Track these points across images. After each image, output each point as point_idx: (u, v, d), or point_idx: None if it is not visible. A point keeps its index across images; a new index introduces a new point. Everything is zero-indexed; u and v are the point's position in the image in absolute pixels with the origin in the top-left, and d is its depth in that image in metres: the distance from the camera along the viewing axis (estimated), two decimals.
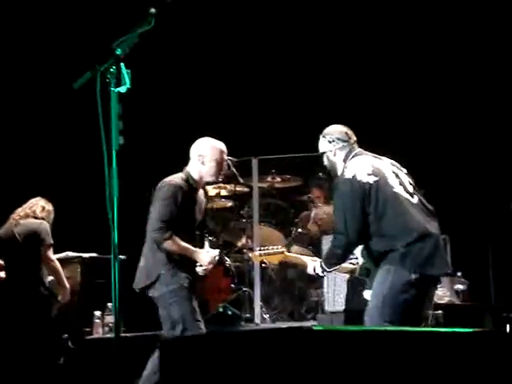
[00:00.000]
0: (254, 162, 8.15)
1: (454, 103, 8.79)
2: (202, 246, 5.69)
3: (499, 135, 8.48)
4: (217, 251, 5.45)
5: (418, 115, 8.91)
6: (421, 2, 8.72)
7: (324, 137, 5.24)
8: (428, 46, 8.82)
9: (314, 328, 2.83)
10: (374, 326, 4.72)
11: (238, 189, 8.42)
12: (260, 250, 5.35)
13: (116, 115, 3.50)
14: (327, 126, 5.40)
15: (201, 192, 5.72)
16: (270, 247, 5.32)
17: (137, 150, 7.63)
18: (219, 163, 5.59)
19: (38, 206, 7.05)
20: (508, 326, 6.76)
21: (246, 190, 8.45)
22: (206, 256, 5.42)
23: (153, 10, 3.56)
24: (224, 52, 9.30)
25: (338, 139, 5.18)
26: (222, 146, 5.67)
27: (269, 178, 8.63)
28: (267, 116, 9.32)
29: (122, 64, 3.54)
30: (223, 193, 8.57)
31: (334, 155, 5.18)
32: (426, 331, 3.42)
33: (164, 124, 9.35)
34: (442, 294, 7.26)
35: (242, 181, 8.32)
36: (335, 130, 5.23)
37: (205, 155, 5.59)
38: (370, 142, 5.31)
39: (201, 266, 5.43)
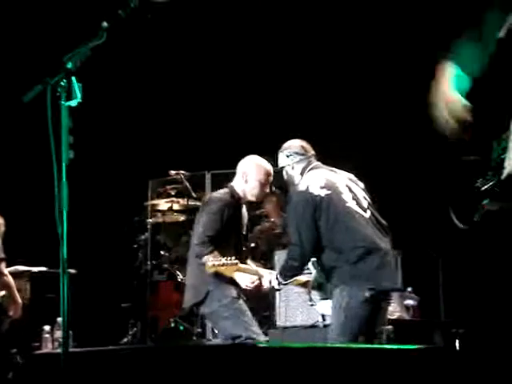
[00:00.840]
0: (208, 177, 8.15)
1: (408, 123, 8.85)
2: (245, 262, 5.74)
3: (451, 154, 8.55)
4: (255, 277, 5.41)
5: (372, 132, 8.96)
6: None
7: (282, 152, 5.36)
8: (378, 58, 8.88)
9: (258, 344, 2.82)
10: (318, 343, 4.75)
11: (190, 203, 8.40)
12: (213, 261, 5.35)
13: (66, 129, 3.48)
14: (281, 141, 5.49)
15: (244, 208, 5.77)
16: (224, 258, 5.33)
17: (87, 164, 7.58)
18: (263, 184, 5.63)
19: None
20: (457, 342, 6.82)
21: (199, 204, 8.42)
22: (243, 279, 5.41)
23: (105, 24, 3.54)
24: (175, 65, 9.27)
25: (296, 153, 5.28)
26: (267, 166, 5.68)
27: None
28: (221, 130, 9.32)
29: (73, 78, 3.52)
30: (176, 207, 8.53)
31: (292, 169, 5.28)
32: (374, 348, 3.44)
33: (115, 138, 9.30)
34: (393, 310, 7.29)
35: (194, 195, 8.31)
36: (293, 145, 5.35)
37: (248, 173, 5.64)
38: (327, 157, 5.39)
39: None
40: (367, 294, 4.83)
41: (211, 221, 5.50)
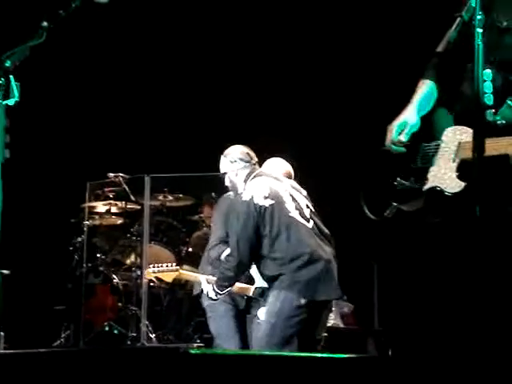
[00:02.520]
0: (147, 180, 8.10)
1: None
2: None
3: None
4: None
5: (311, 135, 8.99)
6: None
7: (225, 157, 5.32)
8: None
9: (191, 351, 2.82)
10: (252, 350, 4.76)
11: (128, 206, 8.35)
12: (154, 267, 5.35)
13: (3, 128, 3.44)
14: (222, 146, 5.47)
15: None
16: (165, 265, 5.33)
17: (24, 163, 7.49)
18: None
19: None
20: (390, 350, 6.90)
21: (137, 207, 8.38)
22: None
23: (45, 24, 3.52)
24: (114, 66, 9.19)
25: (241, 159, 5.26)
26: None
27: (160, 197, 8.58)
28: (160, 134, 9.28)
29: (11, 76, 3.49)
30: (113, 209, 8.47)
31: (236, 175, 5.25)
32: (307, 356, 3.45)
33: (53, 139, 9.19)
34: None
35: (133, 198, 8.26)
36: (237, 151, 5.32)
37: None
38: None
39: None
40: (302, 301, 4.86)
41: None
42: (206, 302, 5.57)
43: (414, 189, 3.55)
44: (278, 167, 5.62)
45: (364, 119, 8.12)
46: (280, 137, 8.71)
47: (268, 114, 9.02)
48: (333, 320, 7.45)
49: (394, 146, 3.55)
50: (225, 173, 5.31)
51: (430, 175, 3.50)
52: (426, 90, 3.65)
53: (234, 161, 5.27)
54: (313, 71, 8.81)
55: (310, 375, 3.25)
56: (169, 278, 5.42)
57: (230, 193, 5.58)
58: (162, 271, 5.34)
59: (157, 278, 5.44)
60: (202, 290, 5.54)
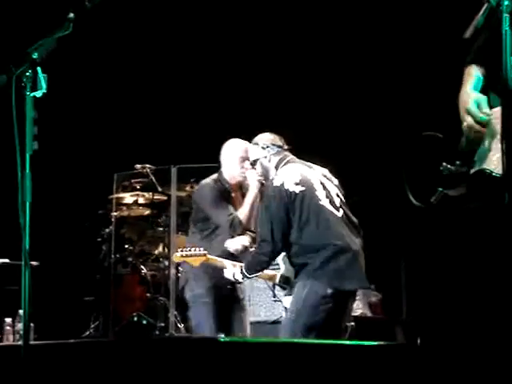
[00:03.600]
0: (173, 171, 8.11)
1: (378, 112, 8.87)
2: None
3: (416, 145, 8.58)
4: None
5: (342, 124, 8.97)
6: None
7: (257, 143, 5.31)
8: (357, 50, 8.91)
9: (220, 339, 2.83)
10: (282, 338, 4.77)
11: (155, 197, 8.37)
12: (182, 251, 5.39)
13: (31, 120, 3.46)
14: (248, 135, 5.46)
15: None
16: (193, 249, 5.36)
17: (51, 155, 7.53)
18: (240, 160, 5.72)
19: None
20: (419, 339, 6.86)
21: (164, 198, 8.40)
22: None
23: (71, 15, 3.52)
24: (142, 57, 9.22)
25: (273, 145, 5.25)
26: (238, 143, 5.80)
27: (187, 187, 8.59)
28: (187, 124, 9.29)
29: (38, 68, 3.50)
30: (141, 201, 8.50)
31: (269, 161, 5.23)
32: (336, 343, 3.46)
33: (81, 130, 9.24)
34: (355, 307, 7.32)
35: (160, 189, 8.28)
36: (268, 137, 5.32)
37: (224, 158, 5.82)
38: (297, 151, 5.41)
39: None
40: (329, 291, 4.85)
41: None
42: (187, 294, 5.66)
43: (461, 173, 3.46)
44: (237, 149, 5.70)
45: (398, 106, 8.11)
46: (311, 123, 8.73)
47: (296, 103, 9.01)
48: (360, 309, 7.45)
49: (477, 125, 3.41)
50: (256, 159, 5.31)
51: (477, 157, 3.43)
52: (474, 74, 3.58)
53: (266, 146, 5.25)
54: (341, 57, 8.80)
55: (339, 362, 3.26)
56: (196, 262, 5.44)
57: (207, 179, 5.70)
58: (190, 255, 5.39)
59: (178, 270, 5.50)
60: (186, 282, 5.62)
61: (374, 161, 8.71)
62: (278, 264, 5.28)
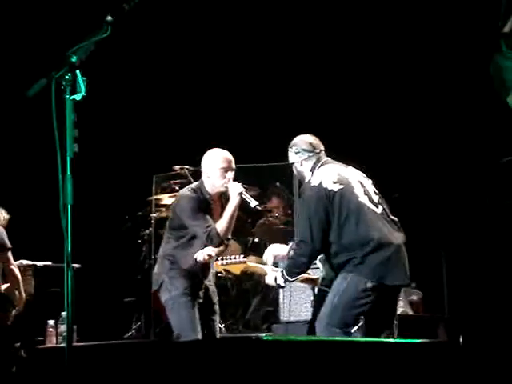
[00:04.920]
0: None
1: (410, 113, 8.84)
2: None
3: (452, 143, 8.55)
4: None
5: (377, 125, 8.95)
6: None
7: (291, 148, 5.32)
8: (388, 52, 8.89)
9: (264, 338, 2.83)
10: (323, 337, 4.73)
11: None
12: (222, 260, 5.38)
13: (71, 123, 3.48)
14: (285, 135, 5.46)
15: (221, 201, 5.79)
16: (233, 257, 5.35)
17: (91, 158, 7.59)
18: (222, 171, 5.62)
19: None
20: (461, 337, 6.81)
21: None
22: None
23: (109, 18, 3.54)
24: (181, 60, 9.27)
25: (304, 150, 5.25)
26: (221, 153, 5.70)
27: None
28: (224, 125, 9.31)
29: (77, 71, 3.52)
30: None
31: (301, 165, 5.24)
32: (377, 341, 3.44)
33: (120, 132, 9.30)
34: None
35: None
36: (301, 141, 5.30)
37: (206, 169, 5.67)
38: (331, 151, 5.39)
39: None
40: (369, 284, 4.82)
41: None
42: (164, 296, 5.60)
43: None
44: (220, 159, 5.61)
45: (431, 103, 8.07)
46: (345, 125, 8.73)
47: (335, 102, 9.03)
48: (402, 308, 7.40)
49: None
50: (292, 163, 5.32)
51: None
52: None
53: (297, 151, 5.26)
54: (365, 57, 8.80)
55: (381, 360, 3.24)
56: (237, 269, 5.44)
57: (187, 190, 5.66)
58: (231, 263, 5.37)
59: (225, 270, 5.46)
60: (161, 284, 5.58)
61: (411, 156, 8.68)
62: (318, 267, 5.25)
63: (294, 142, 5.33)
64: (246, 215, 8.73)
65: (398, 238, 4.99)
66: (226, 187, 5.61)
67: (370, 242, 4.86)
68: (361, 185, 5.07)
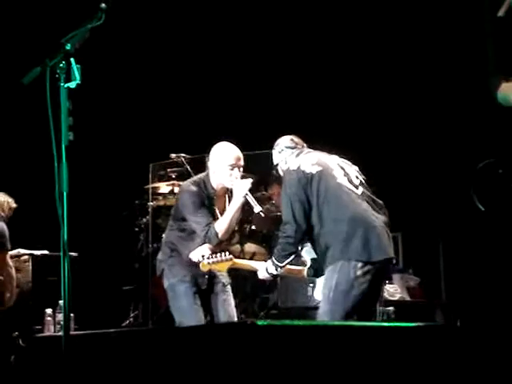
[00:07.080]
0: (208, 159, 8.11)
1: (401, 100, 8.85)
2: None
3: (450, 132, 8.56)
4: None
5: (368, 112, 8.96)
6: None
7: (274, 149, 5.37)
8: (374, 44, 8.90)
9: (258, 323, 2.83)
10: (319, 321, 4.74)
11: None
12: (208, 259, 5.32)
13: (66, 111, 3.48)
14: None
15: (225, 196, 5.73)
16: (218, 255, 5.29)
17: (87, 146, 7.58)
18: (230, 167, 5.52)
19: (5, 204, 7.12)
20: (459, 321, 6.84)
21: None
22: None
23: (103, 6, 3.53)
24: (176, 47, 9.26)
25: (287, 147, 5.30)
26: (230, 149, 5.60)
27: None
28: (221, 113, 9.31)
29: (72, 59, 3.52)
30: (176, 190, 8.51)
31: (286, 163, 5.26)
32: (375, 325, 3.44)
33: (116, 120, 9.29)
34: (393, 291, 7.31)
35: None
36: (283, 140, 5.36)
37: (212, 163, 5.59)
38: (322, 143, 5.39)
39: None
40: (359, 270, 4.82)
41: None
42: (165, 284, 5.61)
43: None
44: (228, 155, 5.55)
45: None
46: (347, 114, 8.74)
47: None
48: (399, 294, 7.41)
49: None
50: (277, 164, 5.32)
51: None
52: None
53: (281, 150, 5.32)
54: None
55: (379, 344, 3.25)
56: (223, 268, 5.41)
57: (191, 183, 5.59)
58: (217, 262, 5.31)
59: (211, 269, 5.40)
60: (162, 271, 5.61)
61: (408, 150, 8.70)
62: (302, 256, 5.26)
63: (276, 142, 5.39)
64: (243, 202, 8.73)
65: (379, 218, 4.99)
66: (233, 184, 5.51)
67: (350, 222, 4.87)
68: (340, 168, 5.11)
